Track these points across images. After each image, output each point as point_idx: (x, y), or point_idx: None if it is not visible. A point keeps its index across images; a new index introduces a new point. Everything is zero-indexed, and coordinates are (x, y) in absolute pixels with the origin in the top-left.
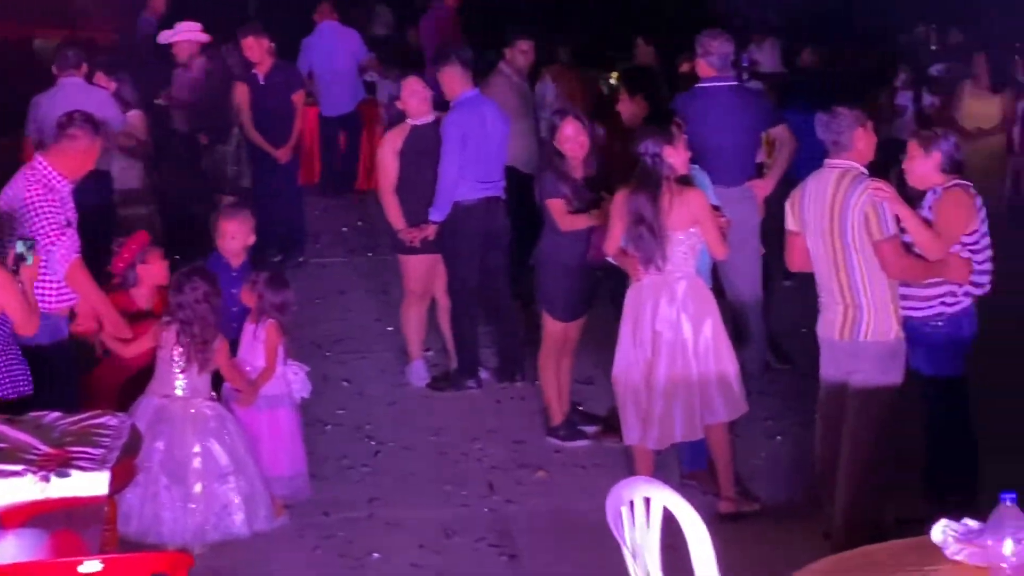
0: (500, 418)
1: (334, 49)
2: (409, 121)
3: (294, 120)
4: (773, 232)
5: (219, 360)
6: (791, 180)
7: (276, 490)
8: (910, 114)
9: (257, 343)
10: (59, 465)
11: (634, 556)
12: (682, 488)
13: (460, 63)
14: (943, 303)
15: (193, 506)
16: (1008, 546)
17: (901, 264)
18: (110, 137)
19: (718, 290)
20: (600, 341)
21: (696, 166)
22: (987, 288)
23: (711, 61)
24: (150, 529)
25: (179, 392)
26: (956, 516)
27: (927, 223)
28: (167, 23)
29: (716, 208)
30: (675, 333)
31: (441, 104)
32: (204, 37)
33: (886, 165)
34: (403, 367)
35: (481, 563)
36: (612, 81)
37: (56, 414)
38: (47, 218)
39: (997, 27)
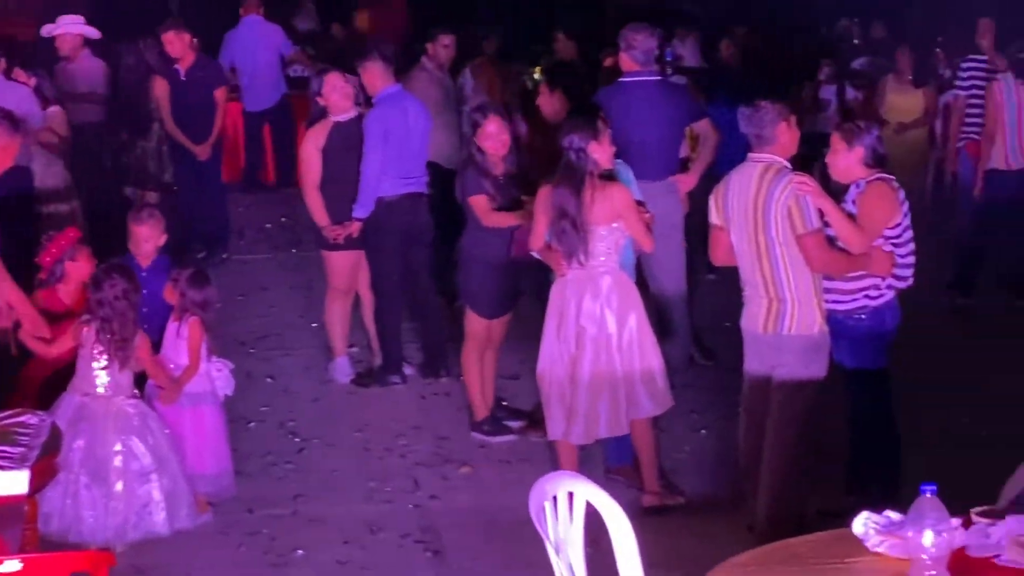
0: (424, 414)
1: (257, 43)
2: (331, 117)
3: (216, 116)
4: (697, 226)
5: (141, 357)
6: (715, 174)
7: (201, 488)
8: (833, 108)
9: (180, 340)
10: None
11: (557, 551)
12: (607, 482)
13: (382, 59)
14: (866, 296)
15: (114, 504)
16: (928, 537)
17: (824, 258)
18: (30, 133)
19: (642, 285)
20: (525, 336)
21: (620, 161)
22: (910, 281)
23: (634, 55)
24: (71, 528)
25: (100, 390)
26: (878, 508)
27: (850, 217)
28: (91, 19)
29: (640, 203)
30: (599, 328)
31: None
32: (89, 30)
33: (810, 159)
34: (327, 364)
35: (406, 559)
36: (536, 76)
37: None
38: None
39: (919, 22)
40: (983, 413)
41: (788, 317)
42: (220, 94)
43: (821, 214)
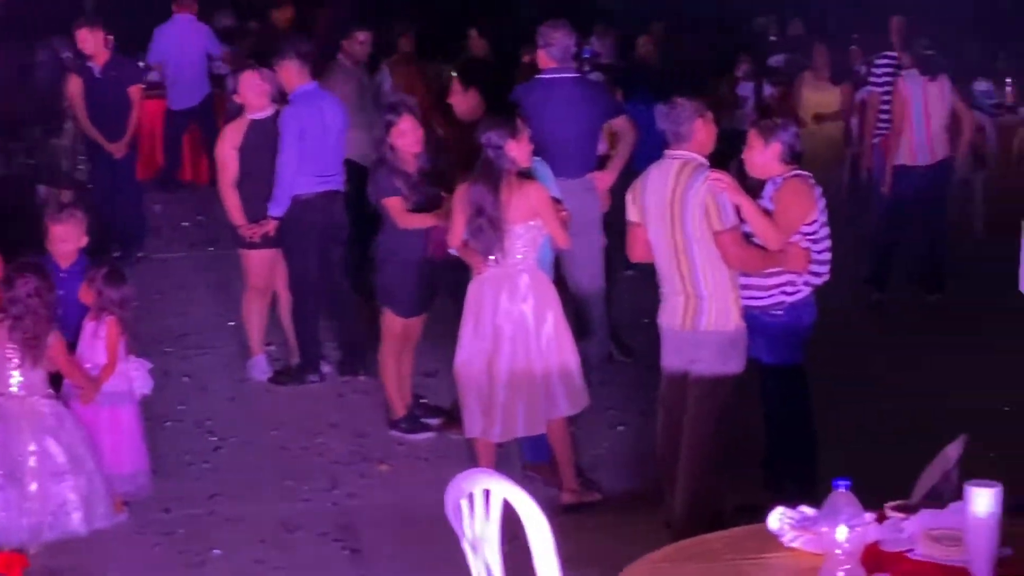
0: (342, 412)
1: (186, 42)
2: (247, 115)
3: (131, 114)
4: (615, 223)
5: (54, 356)
6: (633, 171)
7: (118, 487)
8: (751, 105)
9: (97, 340)
10: None
11: (474, 549)
12: (524, 480)
13: (298, 56)
14: (783, 292)
15: (29, 505)
16: (842, 532)
17: (741, 254)
18: None
19: (560, 282)
20: (443, 334)
21: (538, 158)
22: (826, 277)
23: (552, 52)
24: None
25: (14, 389)
26: (794, 504)
27: (767, 213)
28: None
29: (557, 201)
30: (516, 327)
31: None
32: None
33: (727, 156)
34: (245, 362)
35: (323, 558)
36: (454, 74)
37: None
38: None
39: (836, 18)
40: (898, 408)
41: (705, 313)
42: (135, 92)
43: (738, 211)
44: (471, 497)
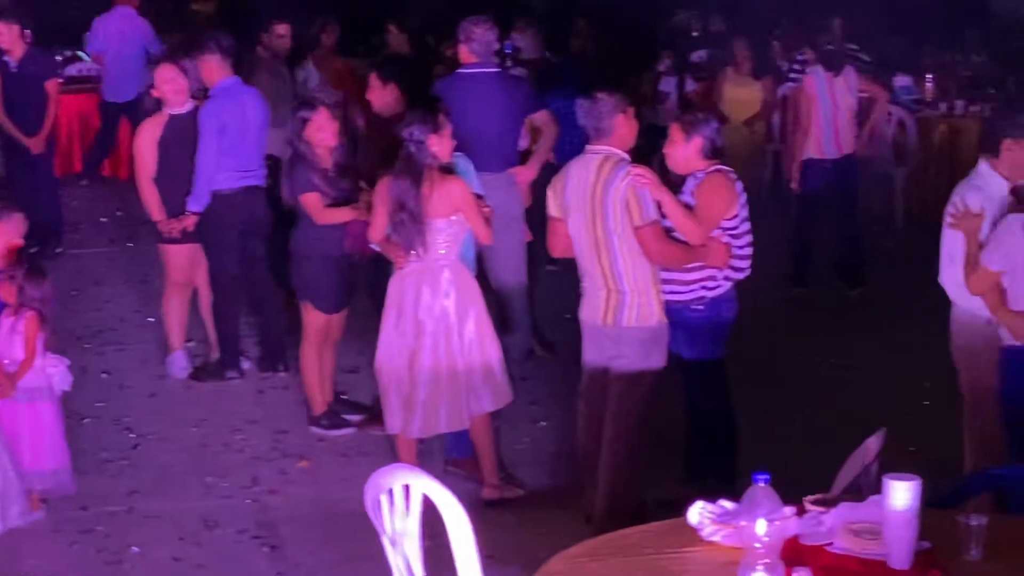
0: (263, 408)
1: (124, 35)
2: (167, 110)
3: (48, 109)
4: (536, 218)
5: None
6: (554, 166)
7: (38, 485)
8: (673, 100)
9: (15, 336)
10: None
11: (394, 544)
12: (446, 475)
13: (219, 51)
14: (704, 287)
15: None
16: (761, 526)
17: (662, 250)
18: None
19: (482, 278)
20: (364, 330)
21: (459, 153)
22: (747, 272)
23: (473, 47)
24: None
25: None
26: (714, 498)
27: (688, 208)
28: None
29: (479, 196)
30: (438, 322)
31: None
32: None
33: (648, 151)
34: (164, 358)
35: (243, 554)
36: None
37: None
38: None
39: (757, 14)
40: (819, 402)
41: (627, 309)
42: (52, 86)
43: (659, 206)
44: (391, 493)
